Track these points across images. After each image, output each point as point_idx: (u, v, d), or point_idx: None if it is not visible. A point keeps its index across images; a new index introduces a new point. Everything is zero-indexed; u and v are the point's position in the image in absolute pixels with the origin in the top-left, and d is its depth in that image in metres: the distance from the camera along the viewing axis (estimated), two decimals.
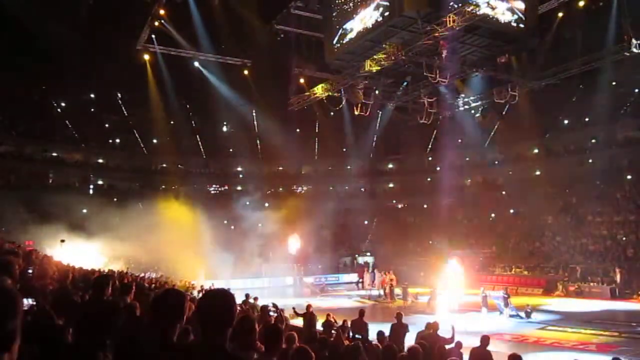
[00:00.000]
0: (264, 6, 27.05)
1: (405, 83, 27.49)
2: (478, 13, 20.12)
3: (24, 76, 34.38)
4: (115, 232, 31.05)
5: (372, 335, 10.52)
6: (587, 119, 39.48)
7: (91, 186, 44.38)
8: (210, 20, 28.74)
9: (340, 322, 11.60)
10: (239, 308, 12.56)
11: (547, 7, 24.79)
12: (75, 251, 25.62)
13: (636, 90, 37.02)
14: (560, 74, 26.81)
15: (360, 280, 33.88)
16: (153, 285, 16.52)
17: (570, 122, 41.80)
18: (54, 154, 43.20)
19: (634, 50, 22.90)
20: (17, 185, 37.50)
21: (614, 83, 35.83)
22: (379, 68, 23.91)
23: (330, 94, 28.84)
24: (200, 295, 16.20)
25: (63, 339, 3.34)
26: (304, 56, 28.97)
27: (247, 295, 15.46)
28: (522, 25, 22.07)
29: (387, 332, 10.25)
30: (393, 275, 28.20)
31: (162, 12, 26.76)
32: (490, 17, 20.97)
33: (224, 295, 2.48)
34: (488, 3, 20.62)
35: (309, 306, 13.08)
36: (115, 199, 40.26)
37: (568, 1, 24.21)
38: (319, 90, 28.68)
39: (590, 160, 40.45)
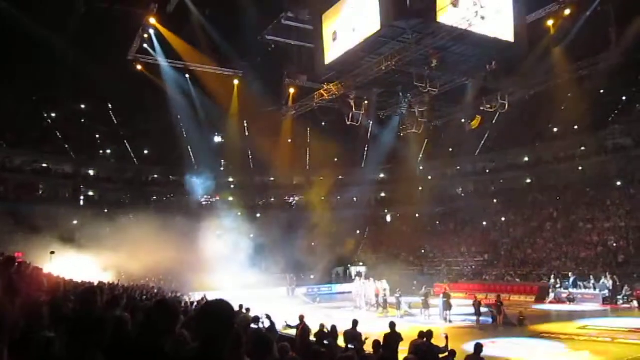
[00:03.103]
0: (255, 17, 27.14)
1: (396, 93, 27.60)
2: (467, 23, 20.30)
3: (14, 86, 34.19)
4: (106, 243, 30.86)
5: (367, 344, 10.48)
6: (576, 127, 39.81)
7: (82, 197, 44.12)
8: (201, 31, 28.79)
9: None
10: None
11: (535, 17, 25.07)
12: (66, 263, 25.37)
13: (624, 98, 37.42)
14: (548, 82, 27.10)
15: None
16: (144, 296, 16.38)
17: (559, 130, 42.14)
18: (44, 165, 42.95)
19: (620, 58, 23.25)
20: (6, 197, 37.22)
21: (601, 91, 36.23)
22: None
23: (321, 104, 28.95)
24: (194, 306, 16.11)
25: (53, 351, 3.30)
26: (295, 67, 29.06)
27: (240, 306, 15.35)
28: (511, 35, 22.27)
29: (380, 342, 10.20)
30: (386, 284, 28.11)
31: (153, 22, 26.80)
32: (480, 27, 21.14)
33: (222, 305, 2.45)
34: (477, 13, 20.79)
35: (302, 317, 12.98)
36: (106, 210, 40.04)
37: (556, 10, 24.48)
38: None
39: (580, 168, 40.76)
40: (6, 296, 5.13)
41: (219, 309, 2.42)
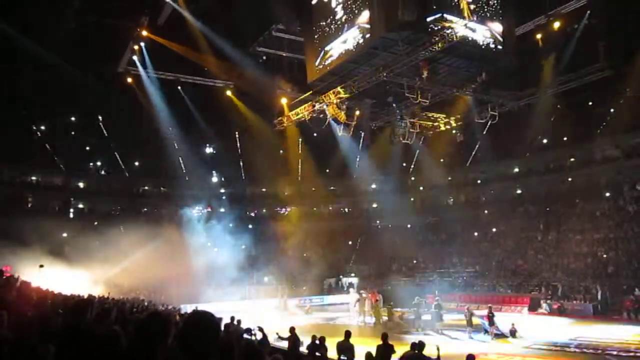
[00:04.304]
0: (245, 29, 27.25)
1: (387, 104, 27.73)
2: (457, 35, 20.50)
3: (3, 99, 33.98)
4: (96, 256, 30.62)
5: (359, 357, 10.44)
6: (565, 138, 40.14)
7: (71, 210, 43.77)
8: (193, 41, 28.84)
9: (326, 344, 11.51)
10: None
11: (524, 29, 25.38)
12: (55, 276, 25.09)
13: (612, 110, 37.81)
14: (538, 93, 27.35)
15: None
16: (135, 309, 16.22)
17: (549, 141, 42.47)
18: (33, 178, 42.63)
19: (609, 70, 23.52)
20: None
21: (590, 103, 36.60)
22: (349, 95, 24.25)
23: (313, 115, 29.02)
24: (183, 317, 15.98)
25: None
26: (286, 78, 29.15)
27: (232, 318, 15.30)
28: (500, 47, 22.50)
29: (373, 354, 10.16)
30: (379, 295, 28.08)
31: (144, 34, 26.83)
32: (469, 38, 21.36)
33: (208, 317, 2.44)
34: (466, 25, 21.02)
35: (292, 329, 12.96)
36: (96, 223, 39.73)
37: (545, 23, 24.78)
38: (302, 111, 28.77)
39: (569, 179, 41.00)
40: None
41: (204, 319, 2.41)
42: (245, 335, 12.10)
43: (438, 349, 10.67)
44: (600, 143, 38.58)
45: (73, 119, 44.42)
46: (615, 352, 16.20)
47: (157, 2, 25.72)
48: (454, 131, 31.29)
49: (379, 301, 27.02)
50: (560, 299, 28.30)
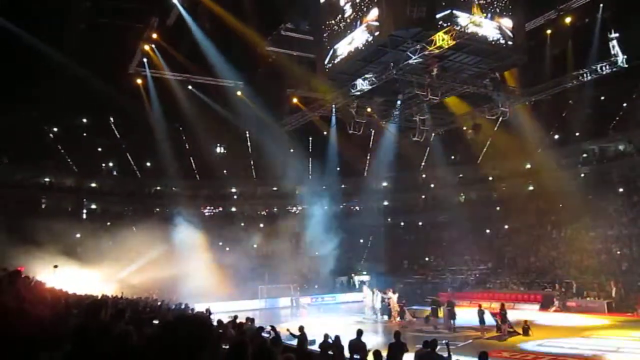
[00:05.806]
0: (255, 28, 27.27)
1: (397, 101, 27.63)
2: (466, 31, 20.40)
3: (15, 101, 34.28)
4: (109, 256, 30.85)
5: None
6: (577, 134, 39.76)
7: (84, 211, 44.12)
8: (202, 43, 28.92)
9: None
10: (232, 332, 12.35)
11: (534, 24, 25.17)
12: (69, 277, 25.35)
13: (624, 105, 37.40)
14: (549, 89, 27.13)
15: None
16: (148, 309, 16.34)
17: (560, 137, 42.10)
18: (46, 180, 43.01)
19: (621, 65, 23.26)
20: (7, 212, 37.09)
21: (602, 98, 36.22)
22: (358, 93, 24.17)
23: (323, 113, 29.04)
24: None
25: None
26: (296, 76, 29.14)
27: (247, 318, 15.36)
28: (510, 43, 22.37)
29: (385, 352, 10.15)
30: (392, 294, 28.01)
31: (154, 36, 26.96)
32: (479, 35, 21.26)
33: (196, 321, 2.41)
34: (476, 21, 20.91)
35: (301, 327, 13.02)
36: (108, 223, 40.02)
37: (555, 18, 24.57)
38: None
39: (582, 175, 40.62)
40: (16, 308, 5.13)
41: (185, 327, 2.38)
42: (263, 334, 12.15)
43: (448, 345, 10.64)
44: (613, 139, 38.22)
45: (84, 120, 44.79)
46: (628, 350, 16.09)
47: (166, 3, 25.81)
48: (464, 128, 31.16)
49: (391, 299, 26.97)
50: (574, 296, 28.09)
